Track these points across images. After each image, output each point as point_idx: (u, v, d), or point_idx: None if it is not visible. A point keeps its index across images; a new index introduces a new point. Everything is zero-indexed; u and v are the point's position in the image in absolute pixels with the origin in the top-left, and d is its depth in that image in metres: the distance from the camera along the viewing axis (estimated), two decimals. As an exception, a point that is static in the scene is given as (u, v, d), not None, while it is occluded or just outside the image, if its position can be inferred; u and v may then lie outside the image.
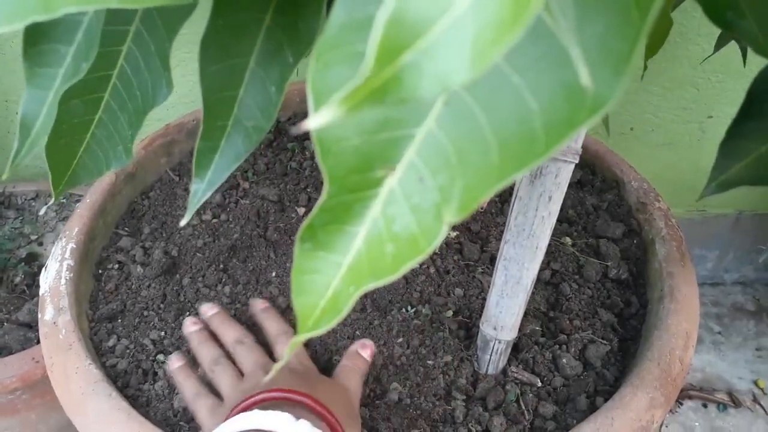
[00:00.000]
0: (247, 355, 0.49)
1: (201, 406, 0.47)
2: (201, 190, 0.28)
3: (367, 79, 0.12)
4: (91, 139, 0.35)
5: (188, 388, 0.49)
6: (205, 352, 0.51)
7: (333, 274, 0.19)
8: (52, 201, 0.35)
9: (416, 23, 0.12)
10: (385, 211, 0.18)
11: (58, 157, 0.35)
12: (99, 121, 0.34)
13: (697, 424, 1.05)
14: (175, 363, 0.52)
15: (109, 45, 0.32)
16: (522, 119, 0.16)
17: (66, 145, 0.34)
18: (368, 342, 0.53)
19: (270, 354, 0.52)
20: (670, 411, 1.04)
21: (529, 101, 0.16)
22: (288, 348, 0.20)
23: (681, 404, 1.07)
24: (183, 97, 0.98)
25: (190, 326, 0.54)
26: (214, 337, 0.53)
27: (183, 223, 0.30)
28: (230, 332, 0.52)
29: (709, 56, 0.48)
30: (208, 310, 0.55)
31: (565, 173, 0.46)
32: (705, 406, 1.07)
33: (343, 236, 0.18)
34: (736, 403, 1.07)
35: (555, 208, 0.47)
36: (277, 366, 0.22)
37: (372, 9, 0.18)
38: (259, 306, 0.57)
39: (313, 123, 0.12)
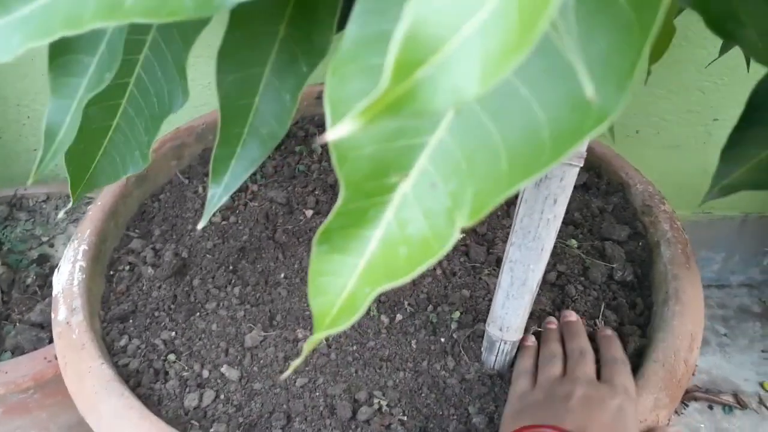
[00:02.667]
0: (578, 365, 0.52)
1: (519, 384, 0.52)
2: (218, 194, 0.29)
3: (384, 93, 0.12)
4: (109, 144, 0.36)
5: (523, 360, 0.55)
6: (551, 346, 0.55)
7: (349, 275, 0.20)
8: (70, 205, 0.36)
9: (430, 41, 0.13)
10: (399, 215, 0.19)
11: (77, 162, 0.36)
12: (117, 126, 0.35)
13: (702, 425, 1.05)
14: (528, 341, 0.57)
15: (127, 54, 0.33)
16: (530, 128, 0.16)
17: (84, 151, 0.35)
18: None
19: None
20: (676, 412, 1.05)
21: (537, 111, 0.16)
22: (306, 345, 0.21)
23: (687, 406, 1.08)
24: (192, 100, 0.99)
25: (550, 324, 0.58)
26: (562, 339, 0.57)
27: (200, 226, 0.30)
28: (578, 341, 0.55)
29: (714, 60, 0.49)
30: (568, 315, 0.59)
31: (570, 176, 0.47)
32: (711, 407, 1.08)
33: (359, 240, 0.19)
34: (742, 405, 1.07)
35: (560, 210, 0.48)
36: None
37: (383, 26, 0.19)
38: (603, 332, 0.58)
39: (331, 135, 0.13)
